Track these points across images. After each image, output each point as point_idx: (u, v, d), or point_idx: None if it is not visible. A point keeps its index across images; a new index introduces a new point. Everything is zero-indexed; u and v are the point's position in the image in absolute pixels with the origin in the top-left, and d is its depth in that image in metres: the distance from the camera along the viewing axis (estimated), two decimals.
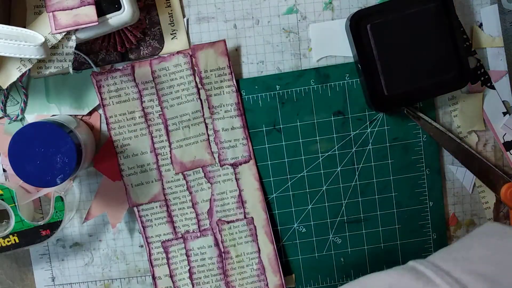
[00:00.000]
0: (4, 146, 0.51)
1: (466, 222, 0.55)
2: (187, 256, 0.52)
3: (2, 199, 0.49)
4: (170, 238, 0.52)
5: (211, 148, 0.48)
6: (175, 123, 0.47)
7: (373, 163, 0.53)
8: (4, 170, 0.52)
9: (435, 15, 0.49)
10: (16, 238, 0.50)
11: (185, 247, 0.52)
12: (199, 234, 0.52)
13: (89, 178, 0.53)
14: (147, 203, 0.52)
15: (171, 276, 0.53)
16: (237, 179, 0.50)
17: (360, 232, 0.54)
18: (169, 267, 0.53)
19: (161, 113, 0.47)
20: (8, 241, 0.50)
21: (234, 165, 0.48)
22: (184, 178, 0.49)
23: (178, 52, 0.48)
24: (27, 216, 0.50)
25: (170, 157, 0.48)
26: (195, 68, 0.43)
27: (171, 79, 0.46)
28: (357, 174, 0.53)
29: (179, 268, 0.53)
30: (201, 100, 0.45)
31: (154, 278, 0.53)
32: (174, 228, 0.52)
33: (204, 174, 0.49)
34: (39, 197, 0.53)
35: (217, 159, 0.48)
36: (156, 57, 0.48)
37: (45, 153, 0.45)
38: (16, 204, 0.49)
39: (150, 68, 0.47)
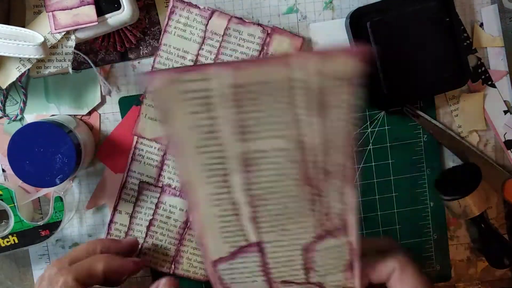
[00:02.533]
0: (3, 146, 0.51)
1: (466, 222, 0.55)
2: (156, 207, 0.52)
3: (2, 200, 0.49)
4: (150, 182, 0.52)
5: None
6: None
7: (373, 163, 0.53)
8: (3, 170, 0.52)
9: (435, 13, 0.49)
10: (15, 238, 0.50)
11: (158, 198, 0.52)
12: (177, 194, 0.52)
13: (88, 179, 0.53)
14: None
15: (130, 216, 0.52)
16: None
17: (360, 232, 0.54)
18: (133, 208, 0.52)
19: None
20: (7, 242, 0.50)
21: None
22: None
23: (259, 24, 0.45)
24: (27, 216, 0.50)
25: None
26: (265, 48, 0.38)
27: (239, 44, 0.43)
28: (357, 174, 0.53)
29: (142, 213, 0.52)
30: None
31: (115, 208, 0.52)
32: (159, 176, 0.52)
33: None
34: (39, 198, 0.52)
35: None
36: (237, 15, 0.46)
37: (45, 153, 0.45)
38: (15, 204, 0.49)
39: (227, 24, 0.45)
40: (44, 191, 0.50)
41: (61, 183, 0.45)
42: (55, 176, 0.45)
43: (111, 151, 0.52)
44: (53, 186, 0.45)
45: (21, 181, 0.51)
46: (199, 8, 0.48)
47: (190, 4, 0.48)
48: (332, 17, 0.52)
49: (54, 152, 0.45)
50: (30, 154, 0.45)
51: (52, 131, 0.45)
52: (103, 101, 0.52)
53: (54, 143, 0.44)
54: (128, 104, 0.52)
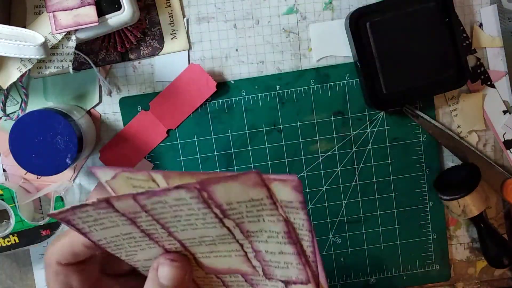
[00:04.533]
0: (3, 145, 0.51)
1: (466, 222, 0.55)
2: None
3: (2, 199, 0.49)
4: None
5: (251, 263, 0.33)
6: (194, 242, 0.32)
7: (373, 163, 0.53)
8: (4, 170, 0.52)
9: (434, 14, 0.49)
10: (16, 238, 0.50)
11: None
12: None
13: (89, 178, 0.53)
14: None
15: None
16: None
17: (360, 232, 0.54)
18: None
19: (170, 237, 0.32)
20: (8, 241, 0.50)
21: (287, 283, 0.34)
22: (219, 277, 0.36)
23: (177, 187, 0.27)
24: (27, 216, 0.50)
25: (197, 263, 0.34)
26: (209, 201, 0.28)
27: (174, 211, 0.29)
28: (357, 174, 0.53)
29: None
30: (227, 228, 0.30)
31: None
32: None
33: (245, 280, 0.35)
34: (39, 197, 0.53)
35: (261, 272, 0.34)
36: (141, 192, 0.27)
37: (45, 140, 0.45)
38: (16, 204, 0.49)
39: (137, 203, 0.29)
40: (44, 190, 0.51)
41: (72, 162, 0.45)
42: (64, 157, 0.45)
43: (115, 154, 0.52)
44: (66, 169, 0.45)
45: (22, 181, 0.52)
46: (87, 205, 0.28)
47: (73, 208, 0.28)
48: (331, 18, 0.52)
49: (53, 135, 0.45)
50: (33, 146, 0.45)
51: (42, 115, 0.45)
52: (103, 101, 0.52)
53: (49, 126, 0.44)
54: (129, 104, 0.52)
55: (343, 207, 0.54)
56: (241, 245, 0.30)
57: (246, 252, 0.31)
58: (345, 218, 0.54)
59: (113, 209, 0.28)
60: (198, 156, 0.53)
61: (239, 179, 0.25)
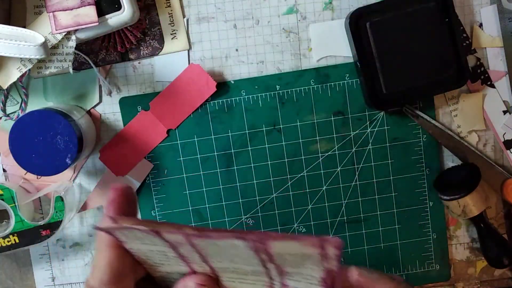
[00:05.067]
0: (2, 145, 0.51)
1: (466, 222, 0.55)
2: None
3: (2, 199, 0.49)
4: None
5: None
6: (226, 270, 0.31)
7: (373, 163, 0.53)
8: (4, 170, 0.52)
9: (434, 14, 0.49)
10: (16, 238, 0.50)
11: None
12: None
13: (89, 178, 0.53)
14: None
15: None
16: None
17: (360, 232, 0.54)
18: None
19: (203, 262, 0.30)
20: (8, 241, 0.50)
21: None
22: None
23: (237, 237, 0.26)
24: (27, 216, 0.50)
25: (218, 285, 0.32)
26: (262, 252, 0.27)
27: (222, 250, 0.29)
28: (357, 174, 0.53)
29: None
30: (266, 268, 0.29)
31: None
32: None
33: None
34: (39, 197, 0.53)
35: None
36: (196, 234, 0.27)
37: (45, 139, 0.45)
38: (16, 204, 0.49)
39: (187, 240, 0.28)
40: (44, 190, 0.51)
41: (72, 162, 0.45)
42: (64, 157, 0.45)
43: (115, 154, 0.52)
44: (65, 169, 0.45)
45: (22, 181, 0.52)
46: (137, 229, 0.28)
47: (123, 228, 0.29)
48: (331, 18, 0.52)
49: (53, 135, 0.45)
50: (33, 146, 0.45)
51: (42, 115, 0.45)
52: (103, 101, 0.52)
53: (49, 126, 0.45)
54: (129, 104, 0.52)
55: (343, 207, 0.54)
56: (272, 279, 0.30)
57: (272, 285, 0.31)
58: (345, 218, 0.54)
59: (163, 239, 0.28)
60: (198, 156, 0.53)
61: (300, 240, 0.25)
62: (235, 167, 0.53)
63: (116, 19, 0.46)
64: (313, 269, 0.28)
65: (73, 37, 0.47)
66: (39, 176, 0.52)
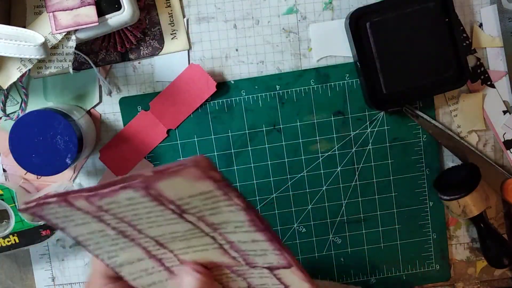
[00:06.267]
0: (2, 145, 0.51)
1: (466, 222, 0.55)
2: None
3: (2, 199, 0.49)
4: None
5: (230, 254, 0.32)
6: (166, 238, 0.31)
7: (373, 163, 0.53)
8: (4, 170, 0.52)
9: (434, 14, 0.49)
10: (16, 238, 0.50)
11: None
12: None
13: (89, 178, 0.53)
14: None
15: None
16: (278, 278, 0.34)
17: (360, 232, 0.54)
18: None
19: (141, 234, 0.31)
20: (8, 241, 0.50)
21: (271, 269, 0.33)
22: None
23: (123, 187, 0.26)
24: (27, 216, 0.50)
25: (179, 260, 0.33)
26: (160, 198, 0.27)
27: (132, 209, 0.29)
28: (357, 174, 0.53)
29: None
30: (191, 222, 0.29)
31: None
32: None
33: (232, 271, 0.34)
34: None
35: (243, 262, 0.33)
36: (91, 193, 0.27)
37: (45, 139, 0.45)
38: (16, 204, 0.49)
39: (92, 204, 0.28)
40: (45, 190, 0.51)
41: (72, 162, 0.45)
42: (64, 157, 0.45)
43: (115, 154, 0.52)
44: (65, 169, 0.46)
45: (22, 181, 0.52)
46: (48, 202, 0.28)
47: (38, 204, 0.28)
48: (331, 18, 0.52)
49: (53, 135, 0.45)
50: (33, 146, 0.45)
51: (42, 115, 0.45)
52: (103, 101, 0.52)
53: (49, 126, 0.45)
54: (129, 104, 0.52)
55: (343, 207, 0.54)
56: (213, 238, 0.30)
57: (221, 244, 0.31)
58: (345, 218, 0.54)
59: (75, 207, 0.27)
60: None
61: (180, 173, 0.24)
62: (235, 167, 0.53)
63: (116, 19, 0.46)
64: (232, 212, 0.28)
65: (73, 37, 0.47)
66: (39, 176, 0.52)
